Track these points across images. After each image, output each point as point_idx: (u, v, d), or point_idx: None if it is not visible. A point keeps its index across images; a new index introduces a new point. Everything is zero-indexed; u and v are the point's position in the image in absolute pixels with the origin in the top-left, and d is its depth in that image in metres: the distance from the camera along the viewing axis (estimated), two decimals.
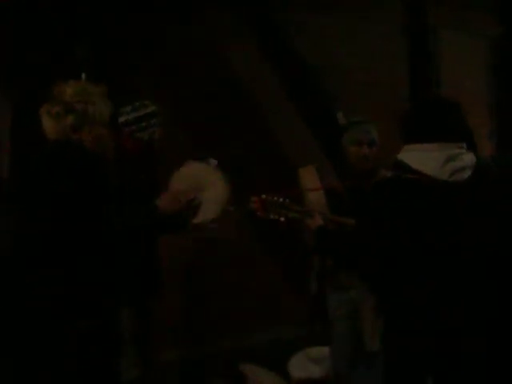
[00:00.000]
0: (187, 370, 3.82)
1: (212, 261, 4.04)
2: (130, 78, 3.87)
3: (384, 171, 3.08)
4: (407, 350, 2.09)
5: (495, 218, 2.10)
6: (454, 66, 5.20)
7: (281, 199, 2.67)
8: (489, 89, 5.62)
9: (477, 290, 2.03)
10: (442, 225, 2.05)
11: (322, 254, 2.88)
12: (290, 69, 4.15)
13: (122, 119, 3.05)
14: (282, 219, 2.66)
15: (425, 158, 2.10)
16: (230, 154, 4.18)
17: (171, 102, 3.56)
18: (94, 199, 2.04)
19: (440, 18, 5.10)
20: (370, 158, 3.08)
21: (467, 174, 2.10)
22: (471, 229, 2.06)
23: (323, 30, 4.57)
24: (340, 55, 4.63)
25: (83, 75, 3.67)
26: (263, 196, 2.67)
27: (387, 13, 4.90)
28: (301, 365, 3.89)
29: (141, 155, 3.04)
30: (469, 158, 2.13)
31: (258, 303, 4.20)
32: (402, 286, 2.09)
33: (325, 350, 3.85)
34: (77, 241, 2.01)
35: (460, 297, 2.03)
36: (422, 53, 5.10)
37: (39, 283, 2.01)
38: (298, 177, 3.33)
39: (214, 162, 2.88)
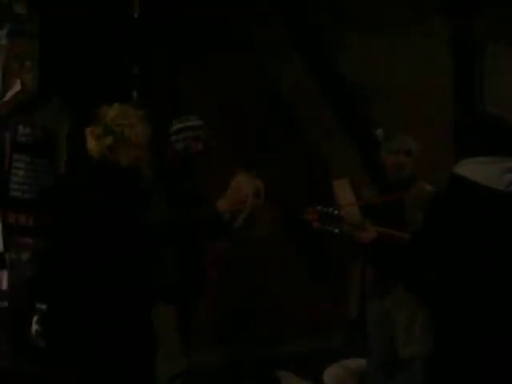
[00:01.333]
0: (224, 372, 3.95)
1: (251, 270, 4.18)
2: (177, 93, 4.08)
3: (422, 183, 3.17)
4: (458, 364, 2.11)
5: None
6: (500, 82, 5.17)
7: (335, 211, 2.68)
8: None
9: None
10: (501, 235, 2.11)
11: (375, 266, 2.89)
12: (332, 85, 4.26)
13: (170, 130, 3.26)
14: (337, 231, 2.66)
15: (481, 170, 2.17)
16: (270, 165, 4.35)
17: (217, 116, 3.71)
18: (128, 210, 2.24)
19: (486, 32, 5.07)
20: (406, 166, 3.17)
21: None
22: None
23: (366, 47, 4.65)
24: (382, 72, 4.69)
25: (134, 93, 3.91)
26: (319, 207, 2.69)
27: (431, 28, 4.92)
28: (336, 375, 3.96)
29: (180, 166, 3.21)
30: None
31: (297, 312, 4.30)
32: (460, 300, 2.12)
33: (360, 362, 3.93)
34: (112, 244, 2.21)
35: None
36: (466, 69, 5.09)
37: (79, 283, 2.21)
38: (332, 189, 3.43)
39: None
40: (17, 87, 3.71)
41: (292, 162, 4.43)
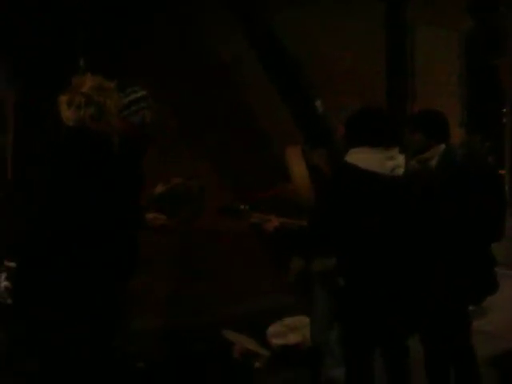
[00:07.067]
0: (175, 337, 4.09)
1: (200, 240, 4.32)
2: (125, 64, 4.09)
3: None
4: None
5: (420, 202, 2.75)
6: (428, 58, 5.52)
7: (242, 206, 3.08)
8: (460, 79, 5.96)
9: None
10: (384, 207, 2.59)
11: (281, 247, 3.24)
12: (273, 57, 4.35)
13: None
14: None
15: (369, 159, 2.58)
16: (216, 139, 4.47)
17: (162, 90, 3.74)
18: (110, 183, 2.34)
19: (417, 13, 5.39)
20: None
21: (401, 170, 2.65)
22: (406, 209, 2.66)
23: (306, 23, 4.82)
24: (322, 47, 4.89)
25: (81, 61, 3.90)
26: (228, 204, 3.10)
27: (367, 8, 5.16)
28: (278, 332, 4.20)
29: (135, 139, 3.25)
30: (401, 159, 2.68)
31: (241, 276, 4.49)
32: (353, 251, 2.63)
33: (301, 319, 4.20)
34: (85, 209, 2.28)
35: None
36: (398, 46, 5.40)
37: (53, 262, 2.26)
38: (285, 155, 3.65)
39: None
40: None
41: (235, 136, 4.55)
